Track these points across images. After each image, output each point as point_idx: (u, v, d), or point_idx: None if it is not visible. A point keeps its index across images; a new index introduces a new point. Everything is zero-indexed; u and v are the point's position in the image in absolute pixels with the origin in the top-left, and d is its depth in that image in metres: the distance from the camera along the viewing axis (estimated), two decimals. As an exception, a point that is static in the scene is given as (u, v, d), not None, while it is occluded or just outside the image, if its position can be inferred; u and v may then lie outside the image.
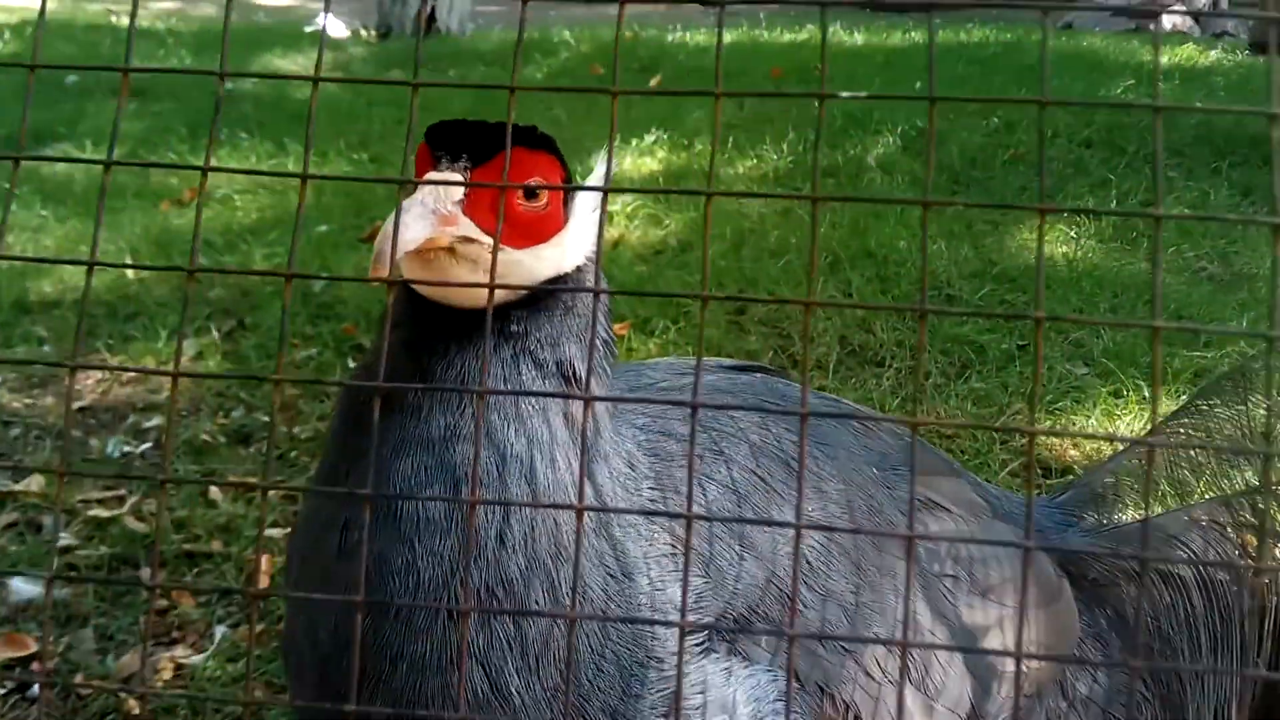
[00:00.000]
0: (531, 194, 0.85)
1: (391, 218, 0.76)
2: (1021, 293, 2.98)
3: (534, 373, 0.85)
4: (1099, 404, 2.38)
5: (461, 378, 0.83)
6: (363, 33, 7.49)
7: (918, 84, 5.30)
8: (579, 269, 0.89)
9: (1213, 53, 6.91)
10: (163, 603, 1.85)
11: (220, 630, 1.79)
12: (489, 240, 0.82)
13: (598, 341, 0.88)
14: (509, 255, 0.84)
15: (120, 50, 6.37)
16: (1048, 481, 2.16)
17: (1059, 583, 1.04)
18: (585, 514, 0.81)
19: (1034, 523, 1.12)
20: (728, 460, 0.90)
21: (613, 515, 0.82)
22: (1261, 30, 7.30)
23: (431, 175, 0.82)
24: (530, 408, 0.84)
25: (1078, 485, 1.20)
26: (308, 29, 7.35)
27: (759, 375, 1.06)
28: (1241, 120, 4.57)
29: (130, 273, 3.08)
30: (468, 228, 0.81)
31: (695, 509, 0.86)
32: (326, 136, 4.51)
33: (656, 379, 1.02)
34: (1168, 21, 8.81)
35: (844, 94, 0.50)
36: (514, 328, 0.85)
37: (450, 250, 0.82)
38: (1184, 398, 2.42)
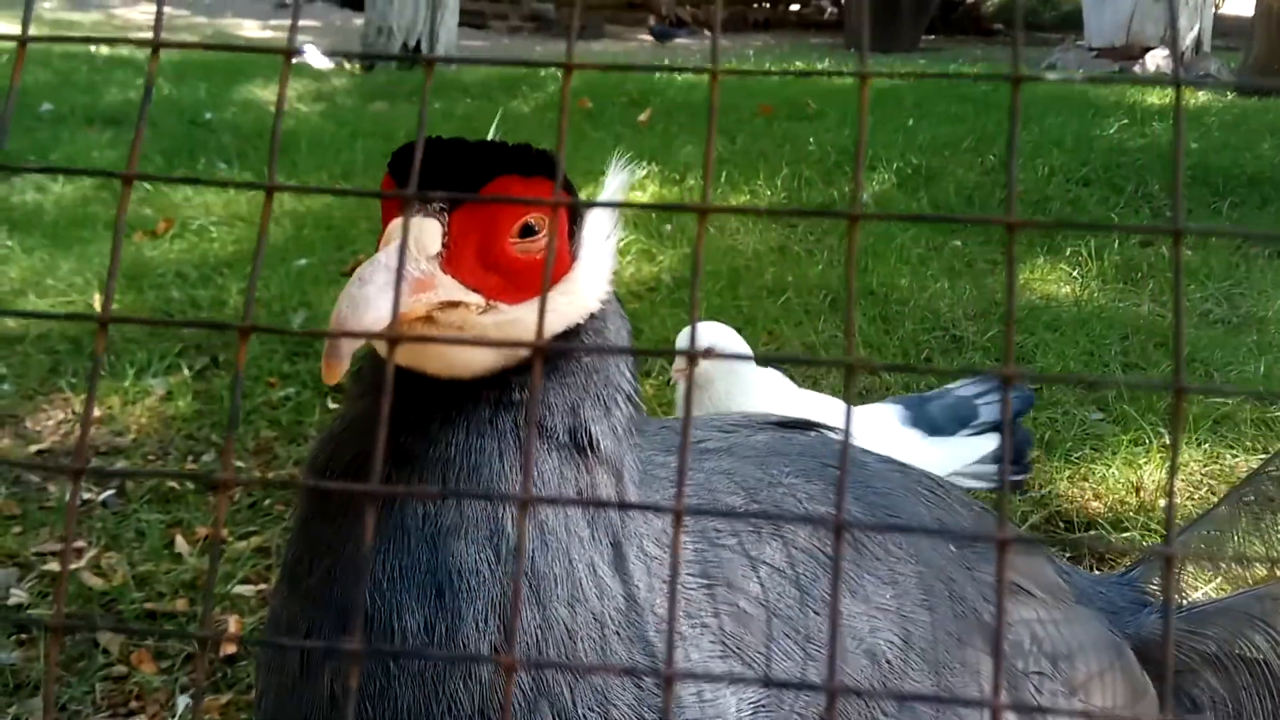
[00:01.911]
0: (529, 231, 0.69)
1: (348, 289, 0.60)
2: (1029, 334, 2.89)
3: (538, 444, 0.70)
4: (1119, 452, 2.27)
5: (446, 460, 0.68)
6: (346, 64, 7.44)
7: (910, 121, 5.28)
8: (594, 316, 0.75)
9: (1201, 94, 6.93)
10: (121, 669, 1.69)
11: (183, 701, 1.63)
12: (477, 299, 0.67)
13: (619, 397, 0.75)
14: (504, 314, 0.69)
15: (96, 79, 6.25)
16: (1070, 535, 2.05)
17: (1144, 679, 0.91)
18: (609, 613, 0.67)
19: (1109, 602, 1.00)
20: (785, 539, 0.76)
21: (647, 613, 0.68)
22: (1245, 75, 7.34)
23: (397, 224, 0.65)
24: (535, 485, 0.69)
25: (1149, 559, 1.08)
26: (294, 60, 7.29)
27: (815, 434, 0.93)
28: (1239, 160, 4.54)
29: (98, 307, 2.92)
30: (449, 289, 0.66)
31: (742, 600, 0.73)
32: (308, 167, 4.39)
33: (698, 439, 0.88)
34: (1151, 64, 8.88)
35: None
36: (516, 396, 0.70)
37: (429, 319, 0.67)
38: (1205, 446, 2.32)
